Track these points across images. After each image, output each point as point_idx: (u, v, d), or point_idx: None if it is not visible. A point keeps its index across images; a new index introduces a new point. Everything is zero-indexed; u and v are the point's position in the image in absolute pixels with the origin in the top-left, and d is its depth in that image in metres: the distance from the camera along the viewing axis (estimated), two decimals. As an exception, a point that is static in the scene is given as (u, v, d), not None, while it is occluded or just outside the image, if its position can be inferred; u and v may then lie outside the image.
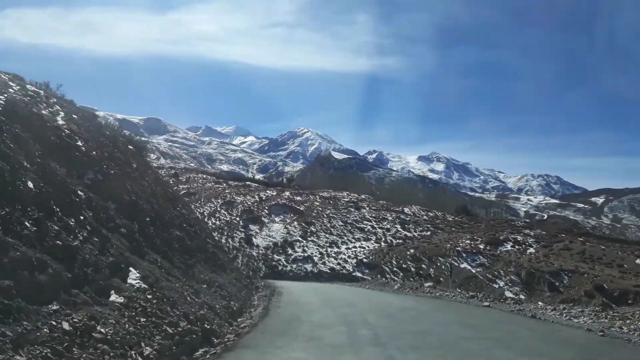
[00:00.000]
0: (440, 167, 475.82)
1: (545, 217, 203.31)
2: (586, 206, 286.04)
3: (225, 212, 59.66)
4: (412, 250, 48.16)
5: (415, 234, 54.25)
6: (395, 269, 45.09)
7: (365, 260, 46.83)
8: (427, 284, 19.53)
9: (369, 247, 50.32)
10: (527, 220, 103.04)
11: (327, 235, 52.84)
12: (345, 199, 66.95)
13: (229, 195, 65.99)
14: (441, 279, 44.57)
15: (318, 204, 64.07)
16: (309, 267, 45.94)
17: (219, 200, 63.55)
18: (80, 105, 21.02)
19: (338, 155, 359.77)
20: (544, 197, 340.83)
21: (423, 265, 45.54)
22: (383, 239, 52.60)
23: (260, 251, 49.96)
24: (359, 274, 44.76)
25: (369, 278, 44.18)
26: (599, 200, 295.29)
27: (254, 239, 52.20)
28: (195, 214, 34.40)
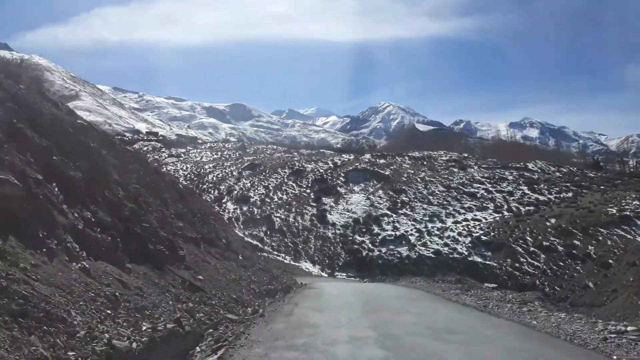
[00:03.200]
0: (534, 133, 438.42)
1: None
2: None
3: (293, 184, 49.18)
4: (553, 220, 34.08)
5: (551, 196, 39.60)
6: (532, 248, 31.48)
7: (484, 237, 33.71)
8: None
9: (486, 218, 36.93)
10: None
11: (425, 206, 40.16)
12: (444, 158, 53.27)
13: (297, 164, 55.40)
14: (610, 261, 30.20)
15: (408, 165, 51.22)
16: (403, 250, 33.90)
17: (286, 170, 53.25)
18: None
19: (423, 127, 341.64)
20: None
21: (576, 242, 31.37)
22: (505, 206, 38.77)
23: (338, 231, 38.81)
24: (478, 259, 31.86)
25: (494, 263, 31.14)
26: None
27: (328, 216, 41.12)
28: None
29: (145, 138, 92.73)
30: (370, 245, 35.66)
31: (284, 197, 46.73)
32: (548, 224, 33.71)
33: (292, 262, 35.24)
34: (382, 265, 33.13)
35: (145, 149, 78.13)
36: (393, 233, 36.75)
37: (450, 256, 32.58)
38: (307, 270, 33.84)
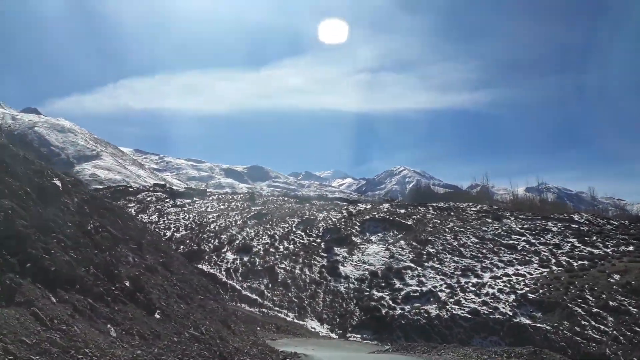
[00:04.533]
0: (551, 198, 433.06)
1: None
2: None
3: (302, 233, 44.20)
4: (617, 277, 28.22)
5: (608, 250, 33.78)
6: (595, 309, 25.50)
7: (531, 295, 27.86)
8: None
9: (531, 274, 31.15)
10: None
11: (456, 259, 34.62)
12: (473, 209, 47.99)
13: (308, 212, 50.69)
14: (701, 328, 23.98)
15: (433, 215, 45.98)
16: (432, 309, 28.12)
17: (295, 219, 48.46)
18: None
19: (438, 190, 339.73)
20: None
21: (650, 303, 25.35)
22: (553, 260, 33.01)
23: (351, 285, 33.28)
24: (526, 320, 25.91)
25: (547, 327, 25.11)
26: None
27: (341, 267, 35.73)
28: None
29: (150, 189, 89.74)
30: (390, 302, 29.93)
31: (291, 247, 41.63)
32: (612, 280, 27.85)
33: (295, 320, 29.59)
34: (405, 326, 27.27)
35: (148, 199, 74.79)
36: (418, 288, 31.06)
37: (491, 317, 26.67)
38: (313, 330, 28.13)
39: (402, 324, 27.37)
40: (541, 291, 28.17)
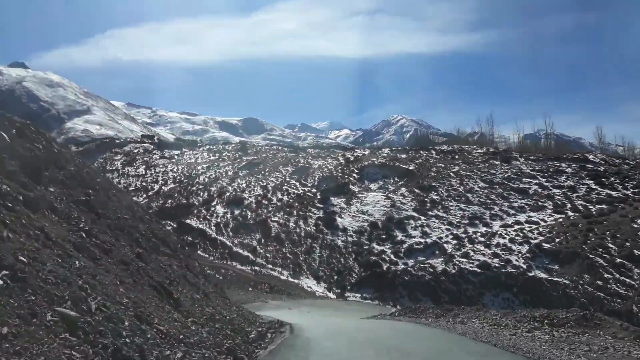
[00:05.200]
0: (549, 144, 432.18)
1: None
2: None
3: (296, 183, 41.60)
4: (641, 222, 25.75)
5: (628, 192, 31.25)
6: (619, 259, 23.24)
7: (546, 245, 25.54)
8: None
9: (545, 220, 28.78)
10: None
11: (463, 206, 32.16)
12: (480, 151, 45.15)
13: (302, 161, 47.84)
14: None
15: (436, 159, 43.20)
16: (437, 263, 25.92)
17: (288, 168, 45.71)
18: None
19: (437, 139, 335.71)
20: None
21: (680, 250, 23.05)
22: (568, 205, 30.54)
23: (350, 238, 31.02)
24: (541, 274, 23.74)
25: (565, 281, 22.96)
26: None
27: (338, 219, 33.36)
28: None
29: (138, 140, 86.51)
30: (392, 256, 27.74)
31: (285, 198, 39.14)
32: (636, 226, 25.47)
33: (290, 279, 27.56)
34: (409, 283, 25.18)
35: (135, 151, 71.76)
36: (422, 240, 28.79)
37: (503, 270, 24.51)
38: (308, 289, 26.10)
39: (405, 280, 25.26)
40: (557, 240, 25.88)
